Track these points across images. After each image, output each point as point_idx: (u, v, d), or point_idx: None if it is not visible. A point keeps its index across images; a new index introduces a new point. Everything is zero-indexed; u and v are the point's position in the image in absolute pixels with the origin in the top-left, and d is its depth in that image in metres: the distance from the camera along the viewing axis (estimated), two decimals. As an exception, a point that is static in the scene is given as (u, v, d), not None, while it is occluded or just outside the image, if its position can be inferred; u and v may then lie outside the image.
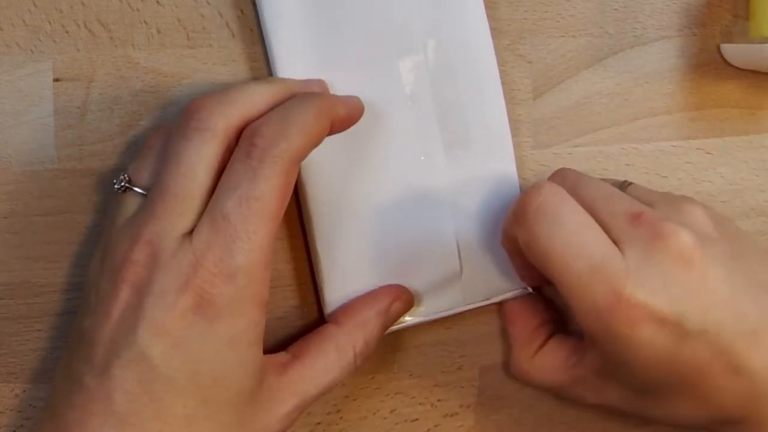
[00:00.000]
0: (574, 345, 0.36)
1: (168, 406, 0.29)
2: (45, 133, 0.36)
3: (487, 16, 0.37)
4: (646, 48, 0.39)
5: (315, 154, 0.32)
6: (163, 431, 0.29)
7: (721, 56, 0.39)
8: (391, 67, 0.36)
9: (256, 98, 0.32)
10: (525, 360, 0.37)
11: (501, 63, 0.37)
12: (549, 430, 0.40)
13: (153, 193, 0.31)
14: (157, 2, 0.36)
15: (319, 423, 0.39)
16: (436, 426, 0.40)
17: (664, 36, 0.39)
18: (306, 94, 0.33)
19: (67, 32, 0.36)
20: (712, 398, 0.31)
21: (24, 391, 0.38)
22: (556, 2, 0.38)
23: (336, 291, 0.37)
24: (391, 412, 0.39)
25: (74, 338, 0.32)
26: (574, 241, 0.30)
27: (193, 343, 0.29)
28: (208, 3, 0.36)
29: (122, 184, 0.32)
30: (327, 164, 0.35)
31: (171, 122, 0.34)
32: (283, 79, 0.34)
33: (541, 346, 0.37)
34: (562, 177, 0.35)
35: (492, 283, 0.38)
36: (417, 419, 0.40)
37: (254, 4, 0.36)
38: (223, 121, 0.30)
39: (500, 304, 0.39)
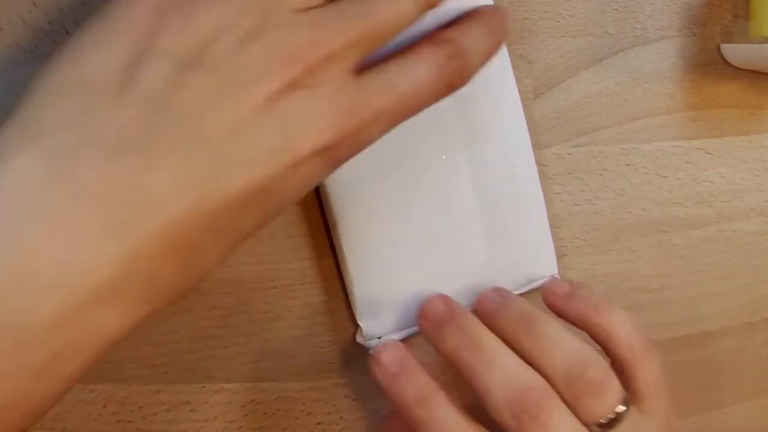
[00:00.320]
0: None
1: None
2: (45, 133, 0.36)
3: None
4: (646, 48, 0.39)
5: None
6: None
7: (721, 56, 0.39)
8: None
9: None
10: None
11: (501, 63, 0.37)
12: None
13: (355, 14, 0.26)
14: (157, 2, 0.36)
15: (319, 423, 0.39)
16: (436, 426, 0.40)
17: (664, 36, 0.39)
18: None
19: (67, 32, 0.36)
20: None
21: (24, 391, 0.38)
22: (556, 2, 0.38)
23: (365, 290, 0.37)
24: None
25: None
26: None
27: None
28: (208, 3, 0.36)
29: None
30: (349, 162, 0.35)
31: None
32: None
33: None
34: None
35: (518, 275, 0.38)
36: (417, 419, 0.40)
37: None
38: None
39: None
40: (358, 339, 0.37)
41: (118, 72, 0.25)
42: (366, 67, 0.27)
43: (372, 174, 0.36)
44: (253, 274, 0.38)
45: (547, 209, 0.37)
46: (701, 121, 0.40)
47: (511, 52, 0.38)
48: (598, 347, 0.32)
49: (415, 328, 0.37)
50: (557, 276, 0.38)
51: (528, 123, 0.38)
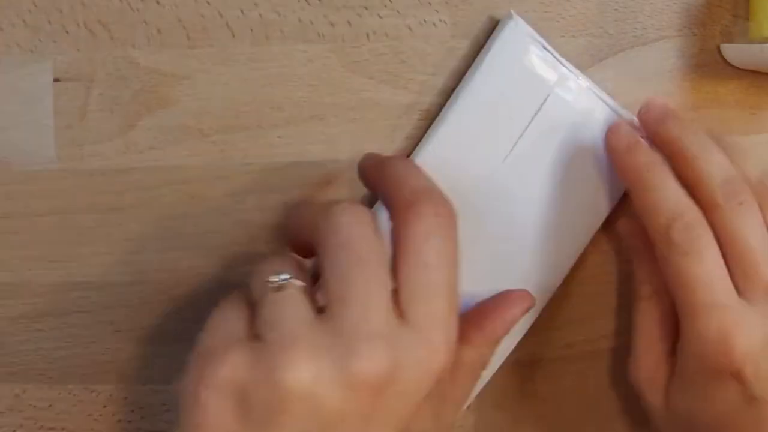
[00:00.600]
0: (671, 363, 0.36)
1: None
2: (45, 133, 0.36)
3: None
4: (646, 48, 0.39)
5: None
6: None
7: (721, 56, 0.39)
8: None
9: None
10: (636, 368, 0.37)
11: (501, 63, 0.37)
12: (548, 430, 0.40)
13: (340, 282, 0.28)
14: (157, 2, 0.36)
15: (319, 423, 0.39)
16: (436, 426, 0.40)
17: (664, 36, 0.39)
18: None
19: (67, 32, 0.36)
20: None
21: (24, 391, 0.38)
22: (556, 2, 0.38)
23: None
24: (391, 412, 0.39)
25: None
26: (706, 277, 0.32)
27: None
28: (208, 3, 0.36)
29: (285, 278, 0.29)
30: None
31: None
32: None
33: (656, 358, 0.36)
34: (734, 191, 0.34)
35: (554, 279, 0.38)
36: (417, 419, 0.40)
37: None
38: None
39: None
40: None
41: None
42: None
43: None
44: (253, 274, 0.38)
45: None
46: (701, 121, 0.39)
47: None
48: None
49: None
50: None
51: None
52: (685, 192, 0.33)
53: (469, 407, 0.40)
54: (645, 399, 0.36)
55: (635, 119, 0.36)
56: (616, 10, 0.38)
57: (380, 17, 0.37)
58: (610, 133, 0.36)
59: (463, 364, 0.33)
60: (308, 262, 0.31)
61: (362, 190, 0.38)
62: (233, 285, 0.37)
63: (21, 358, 0.38)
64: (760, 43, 0.37)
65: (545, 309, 0.38)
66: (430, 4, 0.37)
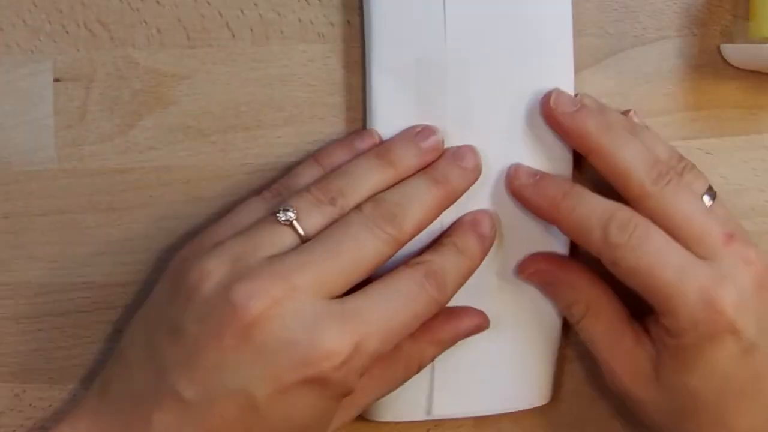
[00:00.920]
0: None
1: None
2: (45, 133, 0.36)
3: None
4: (646, 48, 0.39)
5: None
6: None
7: (721, 56, 0.39)
8: None
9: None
10: (614, 376, 0.36)
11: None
12: (549, 430, 0.40)
13: (317, 249, 0.31)
14: (157, 2, 0.36)
15: (319, 423, 0.39)
16: (436, 426, 0.40)
17: (664, 36, 0.39)
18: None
19: (67, 32, 0.36)
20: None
21: (24, 391, 0.38)
22: (556, 2, 0.38)
23: None
24: (391, 412, 0.39)
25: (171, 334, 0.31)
26: (662, 256, 0.33)
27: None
28: (208, 3, 0.36)
29: (289, 218, 0.31)
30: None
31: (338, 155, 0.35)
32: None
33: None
34: (660, 169, 0.34)
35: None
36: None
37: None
38: (408, 230, 0.32)
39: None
40: None
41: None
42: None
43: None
44: (253, 274, 0.38)
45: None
46: (701, 121, 0.40)
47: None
48: None
49: None
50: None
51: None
52: (601, 198, 0.34)
53: (469, 407, 0.40)
54: (636, 397, 0.35)
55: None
56: (616, 10, 0.38)
57: (380, 17, 0.37)
58: (513, 179, 0.36)
59: (401, 354, 0.34)
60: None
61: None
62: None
63: (21, 358, 0.38)
64: (760, 43, 0.37)
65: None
66: (430, 4, 0.37)
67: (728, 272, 0.33)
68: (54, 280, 0.37)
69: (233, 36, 0.36)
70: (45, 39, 0.36)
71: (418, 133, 0.35)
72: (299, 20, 0.37)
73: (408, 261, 0.33)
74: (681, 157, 0.36)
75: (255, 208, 0.33)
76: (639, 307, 0.35)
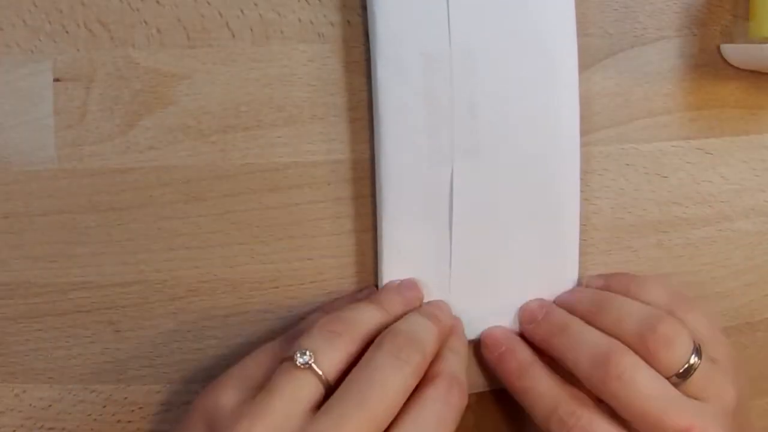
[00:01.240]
0: None
1: None
2: (45, 133, 0.36)
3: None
4: (646, 48, 0.39)
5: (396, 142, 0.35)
6: None
7: (721, 56, 0.39)
8: None
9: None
10: None
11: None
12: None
13: (348, 403, 0.30)
14: (157, 2, 0.36)
15: (319, 423, 0.39)
16: (436, 426, 0.40)
17: (664, 36, 0.39)
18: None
19: (67, 32, 0.36)
20: None
21: (24, 391, 0.38)
22: (556, 2, 0.38)
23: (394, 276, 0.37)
24: (391, 412, 0.39)
25: None
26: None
27: None
28: (208, 3, 0.36)
29: (306, 361, 0.31)
30: (407, 145, 0.36)
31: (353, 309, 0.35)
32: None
33: None
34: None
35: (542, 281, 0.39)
36: (417, 419, 0.40)
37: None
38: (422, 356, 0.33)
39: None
40: None
41: None
42: None
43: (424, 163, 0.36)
44: (253, 274, 0.38)
45: (547, 209, 0.37)
46: (701, 121, 0.40)
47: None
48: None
49: None
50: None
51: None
52: (558, 383, 0.35)
53: (468, 407, 0.40)
54: None
55: None
56: (616, 10, 0.38)
57: (380, 17, 0.37)
58: (483, 346, 0.38)
59: None
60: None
61: (363, 190, 0.38)
62: (233, 282, 0.37)
63: (21, 358, 0.38)
64: (760, 43, 0.37)
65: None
66: (430, 4, 0.37)
67: None
68: (54, 280, 0.37)
69: (233, 36, 0.36)
70: (45, 39, 0.36)
71: (399, 285, 0.37)
72: (299, 20, 0.37)
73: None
74: (656, 325, 0.34)
75: (269, 355, 0.34)
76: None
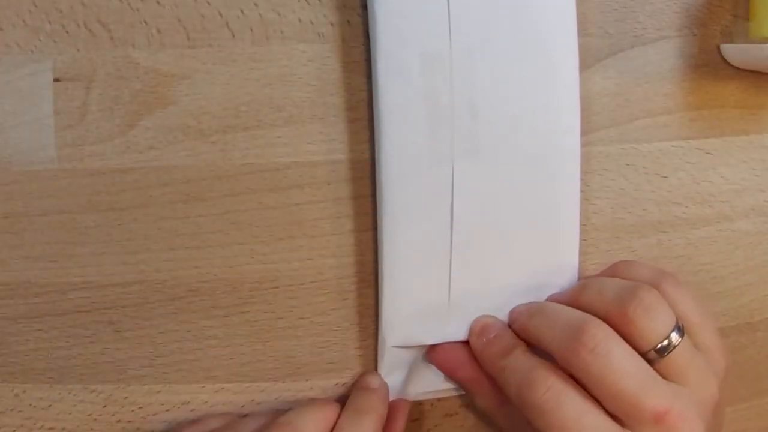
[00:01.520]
0: None
1: None
2: (45, 133, 0.36)
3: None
4: (646, 48, 0.39)
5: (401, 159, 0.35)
6: None
7: (721, 56, 0.39)
8: None
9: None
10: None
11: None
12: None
13: None
14: (157, 2, 0.36)
15: (319, 423, 0.39)
16: (436, 426, 0.40)
17: (664, 36, 0.39)
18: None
19: (67, 32, 0.36)
20: None
21: (24, 391, 0.38)
22: (556, 2, 0.38)
23: (395, 304, 0.37)
24: (391, 412, 0.39)
25: None
26: (575, 425, 0.31)
27: None
28: (208, 3, 0.36)
29: None
30: (409, 165, 0.36)
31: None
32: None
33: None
34: (599, 338, 0.32)
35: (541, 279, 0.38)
36: (417, 419, 0.40)
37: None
38: None
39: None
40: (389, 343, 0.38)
41: None
42: None
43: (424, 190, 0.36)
44: (253, 274, 0.38)
45: (547, 209, 0.37)
46: (701, 121, 0.40)
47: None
48: None
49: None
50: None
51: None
52: (538, 362, 0.33)
53: (468, 407, 0.40)
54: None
55: None
56: (616, 10, 0.38)
57: (380, 17, 0.37)
58: (471, 333, 0.37)
59: None
60: None
61: (363, 190, 0.38)
62: (233, 282, 0.37)
63: (21, 358, 0.38)
64: (760, 43, 0.37)
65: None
66: (430, 4, 0.37)
67: None
68: (54, 280, 0.37)
69: (233, 36, 0.36)
70: (45, 39, 0.36)
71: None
72: (299, 20, 0.37)
73: None
74: (636, 292, 0.32)
75: None
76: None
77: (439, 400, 0.40)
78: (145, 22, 0.36)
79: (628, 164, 0.40)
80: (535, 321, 0.35)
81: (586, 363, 0.31)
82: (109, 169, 0.37)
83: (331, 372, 0.39)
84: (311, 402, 0.36)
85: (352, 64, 0.37)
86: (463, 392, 0.39)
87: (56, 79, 0.36)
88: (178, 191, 0.37)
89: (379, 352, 0.38)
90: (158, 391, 0.38)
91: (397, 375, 0.38)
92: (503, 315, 0.38)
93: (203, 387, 0.38)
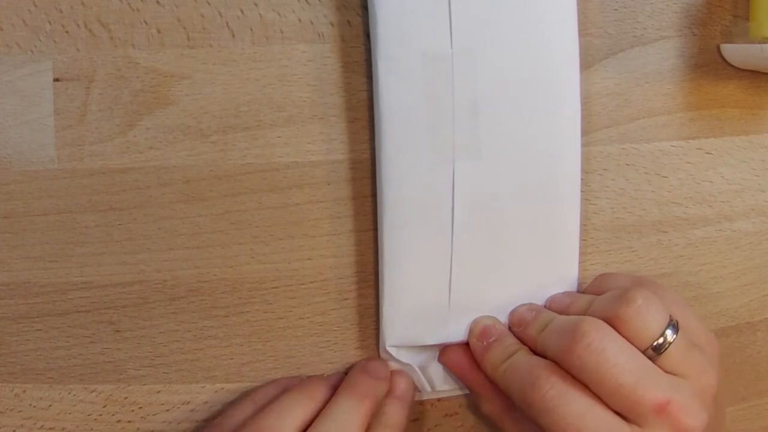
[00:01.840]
0: None
1: None
2: (45, 133, 0.36)
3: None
4: (646, 48, 0.39)
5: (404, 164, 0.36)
6: None
7: (721, 56, 0.39)
8: None
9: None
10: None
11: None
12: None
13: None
14: (157, 2, 0.36)
15: (319, 423, 0.39)
16: (436, 426, 0.40)
17: (664, 36, 0.39)
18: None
19: (67, 32, 0.36)
20: None
21: (24, 391, 0.38)
22: (556, 2, 0.38)
23: (395, 303, 0.37)
24: (391, 412, 0.39)
25: None
26: (582, 419, 0.31)
27: None
28: (208, 3, 0.36)
29: None
30: (410, 169, 0.36)
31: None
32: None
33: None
34: (595, 328, 0.32)
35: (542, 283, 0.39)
36: (418, 419, 0.40)
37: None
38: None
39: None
40: (388, 348, 0.37)
41: None
42: None
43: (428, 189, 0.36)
44: (253, 274, 0.38)
45: (547, 209, 0.37)
46: (701, 121, 0.40)
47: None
48: None
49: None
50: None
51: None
52: (540, 362, 0.33)
53: (468, 407, 0.40)
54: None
55: None
56: (616, 10, 0.38)
57: (380, 17, 0.37)
58: (471, 334, 0.37)
59: None
60: None
61: (363, 190, 0.38)
62: (233, 282, 0.37)
63: (21, 358, 0.38)
64: (760, 43, 0.37)
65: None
66: (430, 4, 0.37)
67: None
68: (53, 280, 0.37)
69: (233, 36, 0.36)
70: (45, 39, 0.36)
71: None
72: (299, 20, 0.37)
73: None
74: (627, 294, 0.33)
75: None
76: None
77: (439, 400, 0.40)
78: (145, 22, 0.36)
79: (628, 164, 0.40)
80: (542, 335, 0.35)
81: (582, 360, 0.31)
82: (109, 169, 0.37)
83: (331, 372, 0.39)
84: (294, 393, 0.36)
85: (352, 64, 0.37)
86: (462, 393, 0.39)
87: (56, 79, 0.36)
88: (178, 191, 0.37)
89: (380, 352, 0.38)
90: (158, 391, 0.38)
91: None
92: (503, 315, 0.38)
93: (203, 387, 0.38)
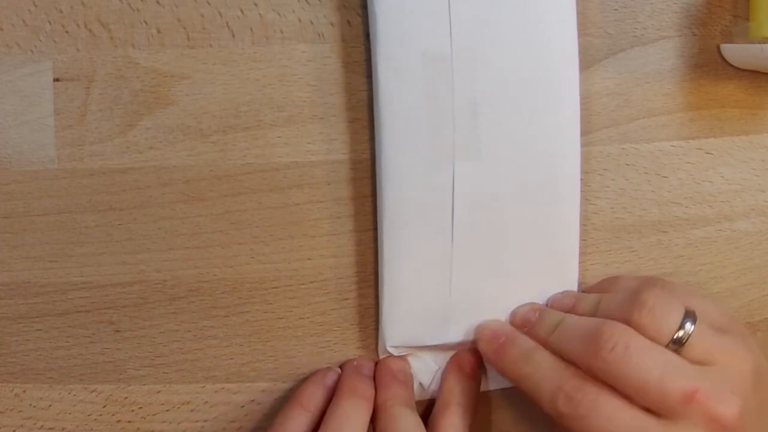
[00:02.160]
0: None
1: None
2: (45, 133, 0.36)
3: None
4: (646, 48, 0.39)
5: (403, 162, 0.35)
6: None
7: (721, 56, 0.39)
8: None
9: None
10: None
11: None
12: (548, 429, 0.40)
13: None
14: (157, 2, 0.36)
15: (319, 423, 0.39)
16: (436, 426, 0.40)
17: (664, 36, 0.39)
18: None
19: (67, 32, 0.36)
20: None
21: (24, 391, 0.38)
22: (556, 2, 0.38)
23: (395, 302, 0.37)
24: (391, 412, 0.39)
25: None
26: (613, 425, 0.31)
27: None
28: (208, 3, 0.36)
29: None
30: (409, 168, 0.36)
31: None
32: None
33: None
34: (622, 332, 0.32)
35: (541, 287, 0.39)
36: (417, 419, 0.40)
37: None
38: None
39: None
40: (388, 348, 0.37)
41: None
42: None
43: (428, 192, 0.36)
44: (253, 274, 0.38)
45: (547, 209, 0.37)
46: (701, 121, 0.40)
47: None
48: None
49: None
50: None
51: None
52: (562, 364, 0.33)
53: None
54: None
55: None
56: (616, 10, 0.38)
57: (380, 17, 0.37)
58: (480, 340, 0.37)
59: None
60: None
61: (363, 190, 0.38)
62: (233, 282, 0.37)
63: (21, 358, 0.38)
64: (760, 43, 0.37)
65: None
66: (430, 4, 0.37)
67: None
68: (53, 280, 0.37)
69: (233, 36, 0.36)
70: (45, 39, 0.36)
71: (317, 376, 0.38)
72: (299, 20, 0.37)
73: None
74: (639, 300, 0.33)
75: None
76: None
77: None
78: (145, 22, 0.36)
79: (628, 164, 0.40)
80: (555, 337, 0.35)
81: (607, 363, 0.32)
82: (109, 169, 0.37)
83: (331, 372, 0.39)
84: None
85: (352, 64, 0.37)
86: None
87: (56, 79, 0.36)
88: (177, 191, 0.37)
89: (379, 352, 0.38)
90: (158, 391, 0.38)
91: None
92: (503, 315, 0.38)
93: (203, 387, 0.38)
